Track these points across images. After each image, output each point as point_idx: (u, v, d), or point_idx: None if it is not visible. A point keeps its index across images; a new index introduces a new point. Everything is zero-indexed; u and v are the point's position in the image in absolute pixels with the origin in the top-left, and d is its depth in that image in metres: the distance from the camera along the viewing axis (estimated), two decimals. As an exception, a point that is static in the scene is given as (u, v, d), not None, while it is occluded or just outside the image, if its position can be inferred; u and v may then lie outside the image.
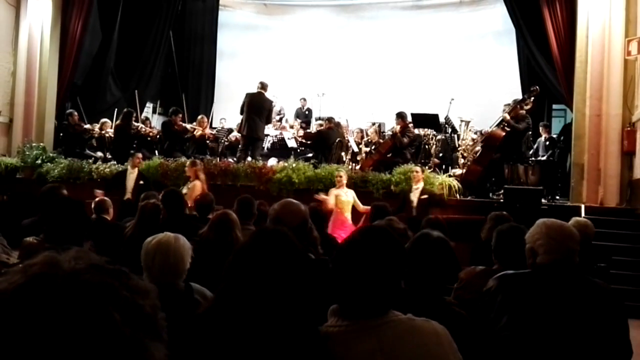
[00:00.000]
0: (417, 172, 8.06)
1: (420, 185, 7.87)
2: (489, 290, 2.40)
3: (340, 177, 7.76)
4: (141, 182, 8.57)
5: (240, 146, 10.36)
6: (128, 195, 8.43)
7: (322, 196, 7.65)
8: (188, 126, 11.20)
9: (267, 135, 11.52)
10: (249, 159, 10.03)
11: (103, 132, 11.55)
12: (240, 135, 10.58)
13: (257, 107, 9.85)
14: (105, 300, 0.65)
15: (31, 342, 0.60)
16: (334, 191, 7.70)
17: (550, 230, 2.34)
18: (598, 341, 2.21)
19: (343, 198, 7.54)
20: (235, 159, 10.38)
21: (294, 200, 2.85)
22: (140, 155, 9.08)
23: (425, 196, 7.68)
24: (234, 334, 1.44)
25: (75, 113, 11.39)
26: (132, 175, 8.65)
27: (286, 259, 1.55)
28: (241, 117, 10.22)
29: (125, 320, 0.65)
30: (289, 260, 1.55)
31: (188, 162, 8.25)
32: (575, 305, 2.24)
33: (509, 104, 9.82)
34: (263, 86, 9.97)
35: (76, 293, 0.64)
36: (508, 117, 9.22)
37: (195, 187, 7.32)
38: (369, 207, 7.56)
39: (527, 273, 2.39)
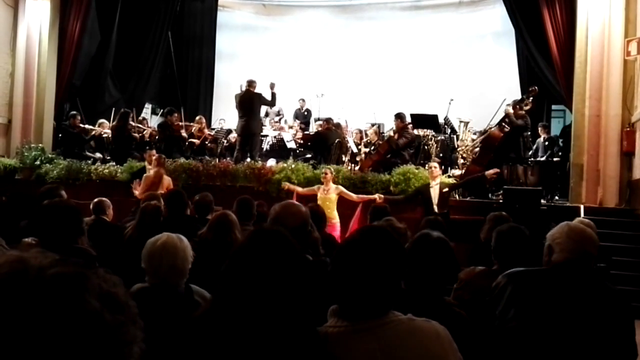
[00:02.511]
0: (434, 167, 7.76)
1: (438, 180, 7.66)
2: (498, 285, 2.44)
3: (325, 174, 7.82)
4: None
5: (237, 146, 10.39)
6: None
7: (288, 185, 8.13)
8: (185, 133, 11.11)
9: (266, 135, 11.52)
10: (248, 159, 10.04)
11: (102, 133, 11.52)
12: (237, 136, 10.65)
13: (247, 105, 9.96)
14: (81, 289, 0.66)
15: (15, 339, 0.61)
16: (315, 187, 7.79)
17: (570, 231, 2.39)
18: (603, 340, 2.22)
19: (320, 195, 7.55)
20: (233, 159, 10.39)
21: (295, 202, 2.85)
22: (153, 151, 9.06)
23: (446, 189, 7.55)
24: (232, 336, 1.43)
25: (79, 116, 11.34)
26: (152, 172, 8.62)
27: (283, 259, 1.54)
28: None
29: (104, 306, 0.66)
30: (286, 260, 1.54)
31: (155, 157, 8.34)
32: (582, 304, 2.26)
33: (510, 104, 9.81)
34: (250, 84, 10.08)
35: (52, 286, 0.65)
36: (511, 111, 9.22)
37: (147, 179, 7.77)
38: (365, 196, 7.68)
39: (538, 270, 2.43)
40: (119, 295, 0.70)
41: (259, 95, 10.16)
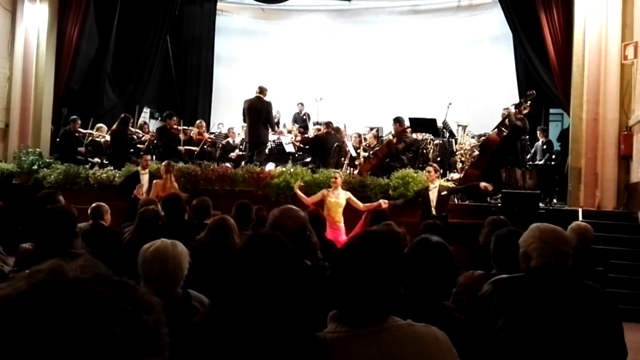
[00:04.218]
0: (429, 172, 7.84)
1: (437, 183, 7.73)
2: (484, 294, 2.41)
3: (336, 178, 7.73)
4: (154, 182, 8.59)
5: (247, 152, 10.38)
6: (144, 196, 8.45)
7: (297, 191, 7.96)
8: (183, 137, 11.11)
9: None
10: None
11: (99, 137, 11.49)
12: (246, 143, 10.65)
13: (255, 112, 9.87)
14: (106, 313, 0.64)
15: (27, 348, 0.60)
16: (324, 191, 7.74)
17: (543, 234, 2.36)
18: (592, 342, 2.21)
19: (332, 199, 7.51)
20: (231, 164, 10.38)
21: (294, 207, 2.84)
22: (148, 157, 9.11)
23: (445, 192, 7.60)
24: (230, 342, 1.43)
25: (79, 120, 11.33)
26: (145, 177, 8.66)
27: (280, 264, 1.53)
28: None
29: (125, 334, 0.64)
30: (284, 265, 1.54)
31: (163, 164, 8.38)
32: (568, 307, 2.25)
33: (507, 108, 9.84)
34: (261, 90, 9.96)
35: (77, 303, 0.64)
36: (513, 110, 9.25)
37: (157, 185, 7.86)
38: (371, 204, 7.66)
39: (521, 276, 2.40)
40: (148, 323, 0.68)
41: (269, 104, 10.07)
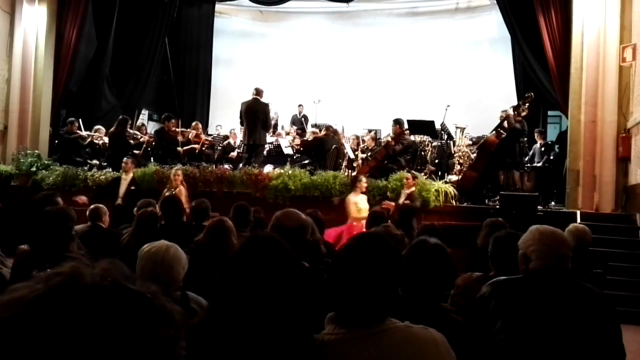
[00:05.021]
0: (408, 178, 8.16)
1: (411, 190, 7.93)
2: (482, 296, 2.41)
3: (364, 182, 7.87)
4: (132, 187, 8.63)
5: (245, 154, 10.38)
6: (119, 201, 8.46)
7: (387, 203, 7.90)
8: (181, 138, 11.10)
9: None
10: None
11: (97, 139, 11.48)
12: (243, 145, 10.64)
13: (252, 114, 9.85)
14: (116, 324, 0.63)
15: (33, 351, 0.60)
16: (353, 198, 7.75)
17: (542, 237, 2.36)
18: (591, 345, 2.21)
19: (362, 205, 7.61)
20: (230, 165, 10.36)
21: (296, 210, 2.86)
22: (129, 160, 9.06)
23: (407, 201, 7.71)
24: (229, 344, 1.43)
25: (76, 122, 11.31)
26: (125, 182, 8.67)
27: (278, 266, 1.53)
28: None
29: (135, 347, 0.63)
30: (281, 267, 1.54)
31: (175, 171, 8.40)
32: (567, 310, 2.25)
33: (505, 110, 9.86)
34: (258, 92, 9.93)
35: (89, 312, 0.63)
36: (512, 113, 9.27)
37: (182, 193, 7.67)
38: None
39: (520, 278, 2.40)
40: (163, 337, 0.66)
41: (266, 106, 10.01)
